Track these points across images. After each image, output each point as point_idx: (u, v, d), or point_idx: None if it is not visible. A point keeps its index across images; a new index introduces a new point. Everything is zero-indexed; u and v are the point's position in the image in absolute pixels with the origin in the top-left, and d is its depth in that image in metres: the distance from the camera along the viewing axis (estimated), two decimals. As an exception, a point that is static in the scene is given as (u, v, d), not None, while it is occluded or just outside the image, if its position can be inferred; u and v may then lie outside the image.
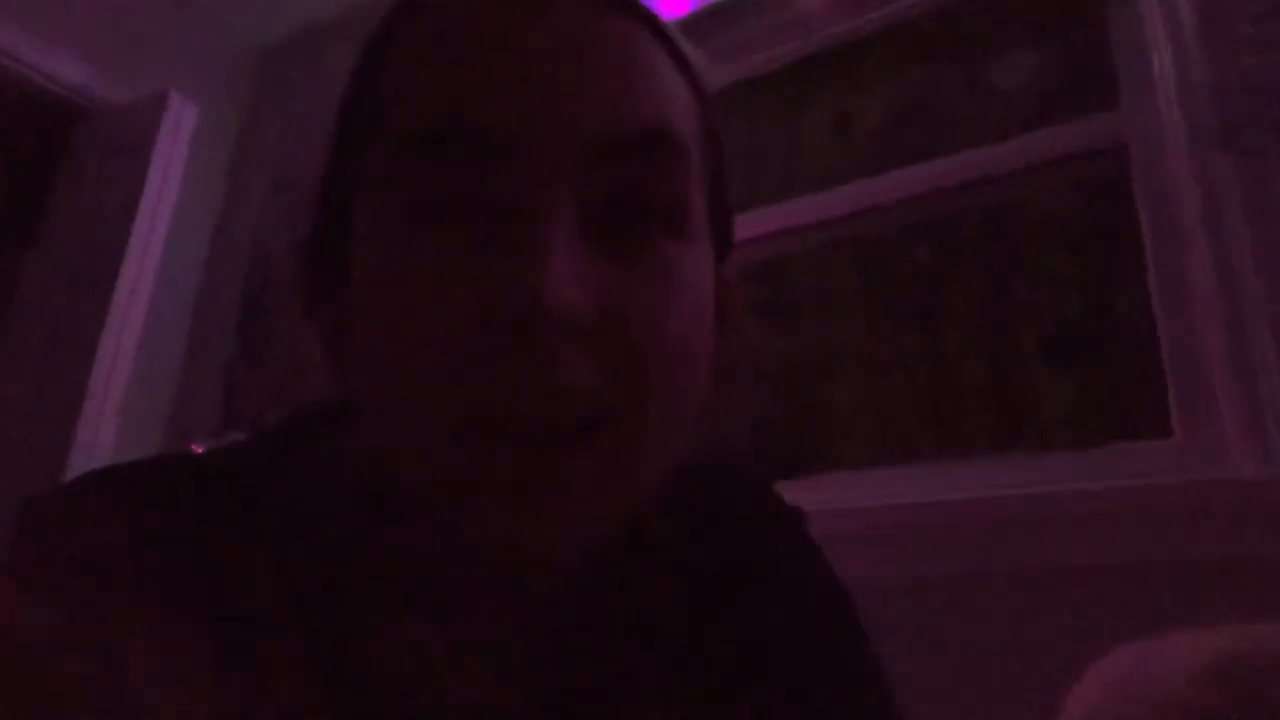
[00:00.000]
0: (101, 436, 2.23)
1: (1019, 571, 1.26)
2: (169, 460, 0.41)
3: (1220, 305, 1.30)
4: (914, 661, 1.00)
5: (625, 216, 0.36)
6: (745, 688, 0.43)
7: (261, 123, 2.82)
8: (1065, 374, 1.51)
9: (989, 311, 1.62)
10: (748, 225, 2.00)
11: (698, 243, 0.39)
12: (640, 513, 0.40)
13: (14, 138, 2.69)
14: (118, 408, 2.31)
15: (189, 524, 0.37)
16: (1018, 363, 1.56)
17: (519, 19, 0.36)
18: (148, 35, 2.64)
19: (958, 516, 1.34)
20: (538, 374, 0.33)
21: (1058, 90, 1.70)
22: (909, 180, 1.75)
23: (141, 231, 2.36)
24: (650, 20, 0.40)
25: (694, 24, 2.03)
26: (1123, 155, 1.55)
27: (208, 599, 0.35)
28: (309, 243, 0.43)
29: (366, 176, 0.38)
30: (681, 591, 0.44)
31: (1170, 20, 1.49)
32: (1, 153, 2.74)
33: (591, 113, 0.35)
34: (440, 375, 0.34)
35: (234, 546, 0.37)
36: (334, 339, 0.41)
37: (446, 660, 0.40)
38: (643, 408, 0.35)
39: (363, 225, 0.38)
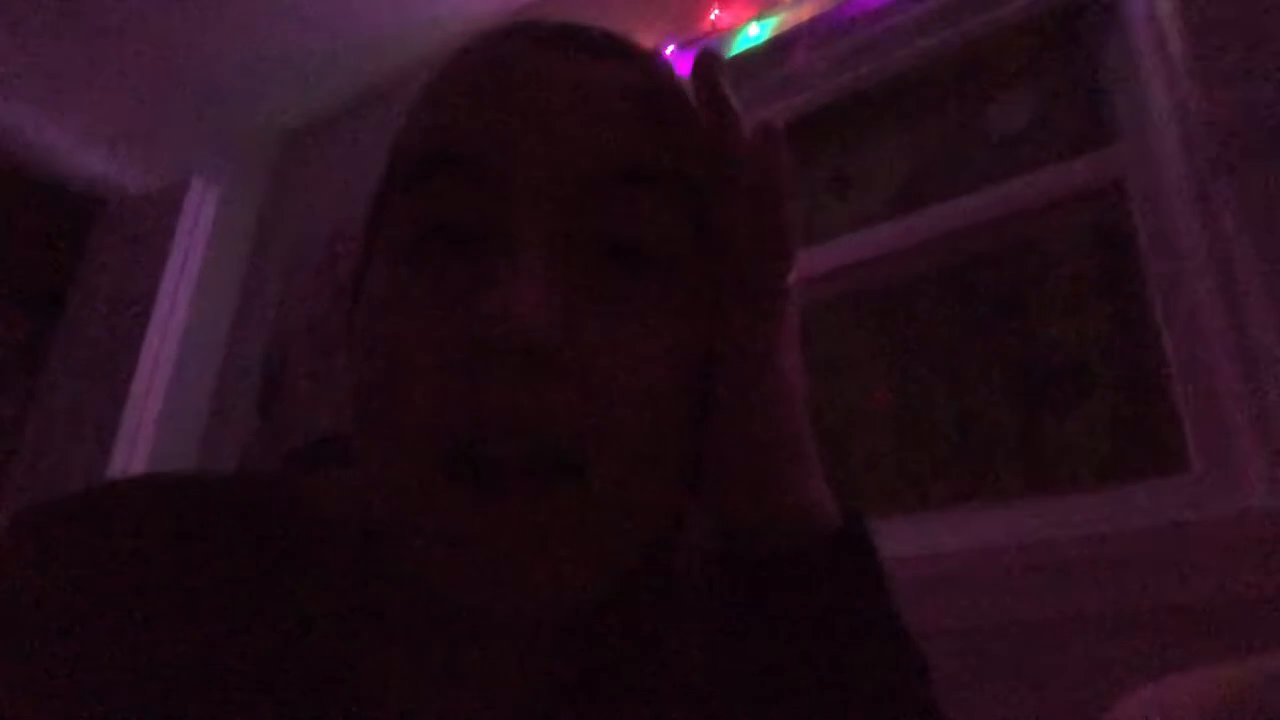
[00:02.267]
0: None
1: (1035, 618, 1.21)
2: (166, 478, 0.41)
3: (1230, 336, 1.27)
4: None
5: (607, 256, 0.36)
6: None
7: (283, 201, 2.90)
8: (1077, 415, 1.47)
9: (998, 354, 1.59)
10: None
11: (679, 288, 0.38)
12: (659, 554, 0.40)
13: (37, 226, 2.79)
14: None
15: (184, 539, 0.37)
16: (1028, 405, 1.53)
17: (511, 63, 0.38)
18: (171, 120, 2.74)
19: (973, 563, 1.29)
20: (500, 401, 0.33)
21: (1058, 129, 1.69)
22: (914, 228, 1.75)
23: (160, 317, 2.41)
24: (643, 60, 0.41)
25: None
26: (1121, 191, 1.53)
27: (198, 614, 0.35)
28: (351, 285, 0.45)
29: (381, 219, 0.41)
30: (721, 632, 0.41)
31: (1161, 51, 1.48)
32: (25, 240, 2.84)
33: (574, 150, 0.36)
34: (422, 407, 0.34)
35: (228, 564, 0.37)
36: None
37: (441, 692, 0.39)
38: (616, 451, 0.34)
39: (376, 262, 0.39)
